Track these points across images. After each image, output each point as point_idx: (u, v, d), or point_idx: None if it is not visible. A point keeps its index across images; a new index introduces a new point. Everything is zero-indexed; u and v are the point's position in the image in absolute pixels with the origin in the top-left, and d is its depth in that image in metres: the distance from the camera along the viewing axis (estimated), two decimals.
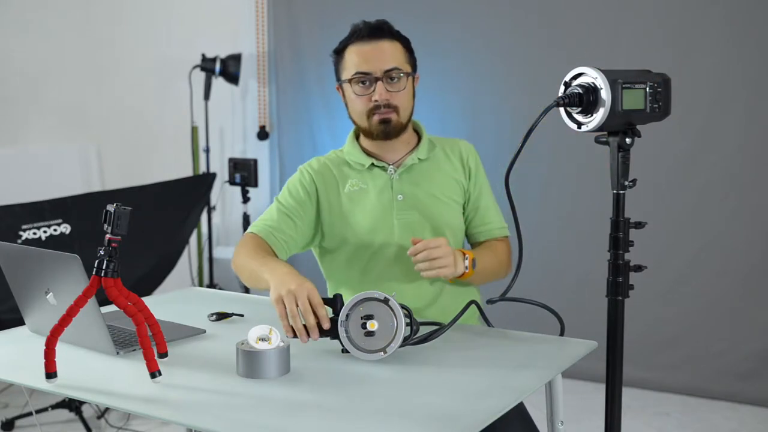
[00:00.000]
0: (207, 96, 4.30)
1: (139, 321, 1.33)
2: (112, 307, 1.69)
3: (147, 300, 1.79)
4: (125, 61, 4.83)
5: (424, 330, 1.55)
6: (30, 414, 3.11)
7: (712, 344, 3.37)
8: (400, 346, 1.43)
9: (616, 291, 1.40)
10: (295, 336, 1.45)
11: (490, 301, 1.62)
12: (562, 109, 1.38)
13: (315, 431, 1.14)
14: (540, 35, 3.62)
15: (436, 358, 1.46)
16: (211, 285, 4.28)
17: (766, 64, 3.21)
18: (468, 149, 1.96)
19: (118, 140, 4.90)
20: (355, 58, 1.81)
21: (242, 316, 1.78)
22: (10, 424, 3.06)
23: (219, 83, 4.34)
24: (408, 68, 1.84)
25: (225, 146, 4.61)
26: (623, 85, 1.32)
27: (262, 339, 1.35)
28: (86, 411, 3.11)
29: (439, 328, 1.53)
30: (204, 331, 1.65)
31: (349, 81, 1.83)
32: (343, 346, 1.44)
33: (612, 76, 1.32)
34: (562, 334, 1.59)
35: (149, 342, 1.33)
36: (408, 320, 1.46)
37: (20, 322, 1.69)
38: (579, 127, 1.37)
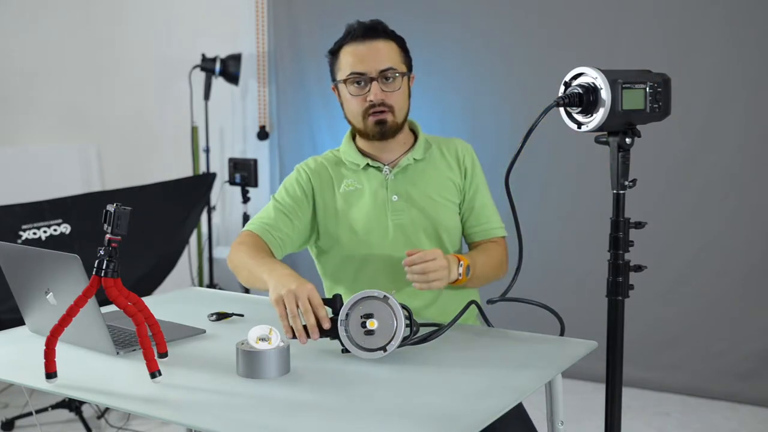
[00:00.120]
0: (207, 96, 4.31)
1: (139, 321, 1.33)
2: (112, 307, 1.69)
3: (147, 300, 1.79)
4: (125, 61, 4.83)
5: (424, 330, 1.55)
6: (30, 414, 3.11)
7: (712, 344, 3.37)
8: (400, 346, 1.43)
9: (616, 291, 1.40)
10: (294, 337, 1.45)
11: (490, 301, 1.62)
12: (562, 109, 1.38)
13: (315, 431, 1.14)
14: (540, 35, 3.62)
15: (436, 358, 1.46)
16: (211, 285, 4.28)
17: (766, 64, 3.21)
18: (464, 148, 1.95)
19: (118, 140, 4.90)
20: (350, 59, 1.81)
21: (242, 316, 1.78)
22: (10, 424, 3.06)
23: (219, 83, 4.34)
24: (403, 68, 1.84)
25: (225, 146, 4.61)
26: (623, 85, 1.32)
27: (262, 339, 1.35)
28: (86, 411, 3.11)
29: (439, 328, 1.53)
30: (204, 331, 1.65)
31: (344, 81, 1.82)
32: (343, 345, 1.44)
33: (612, 76, 1.32)
34: (562, 334, 1.59)
35: (149, 342, 1.33)
36: (408, 320, 1.46)
37: (20, 322, 1.69)
38: (579, 127, 1.37)
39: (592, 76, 1.33)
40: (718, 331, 3.36)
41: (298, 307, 1.45)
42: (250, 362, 1.34)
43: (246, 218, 4.15)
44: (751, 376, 3.28)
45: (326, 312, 1.46)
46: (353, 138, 1.95)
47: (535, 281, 3.12)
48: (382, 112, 1.81)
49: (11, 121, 4.91)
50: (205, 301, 1.99)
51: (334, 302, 1.46)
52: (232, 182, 4.10)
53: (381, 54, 1.80)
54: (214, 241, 4.39)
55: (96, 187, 4.72)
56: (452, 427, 1.13)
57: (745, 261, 3.30)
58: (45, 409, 3.09)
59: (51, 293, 1.48)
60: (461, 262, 1.69)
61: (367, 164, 1.89)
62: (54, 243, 3.03)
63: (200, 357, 1.48)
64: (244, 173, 4.05)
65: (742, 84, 3.26)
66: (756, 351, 3.28)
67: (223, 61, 4.22)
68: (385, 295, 1.43)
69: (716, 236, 3.35)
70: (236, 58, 4.24)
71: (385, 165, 1.90)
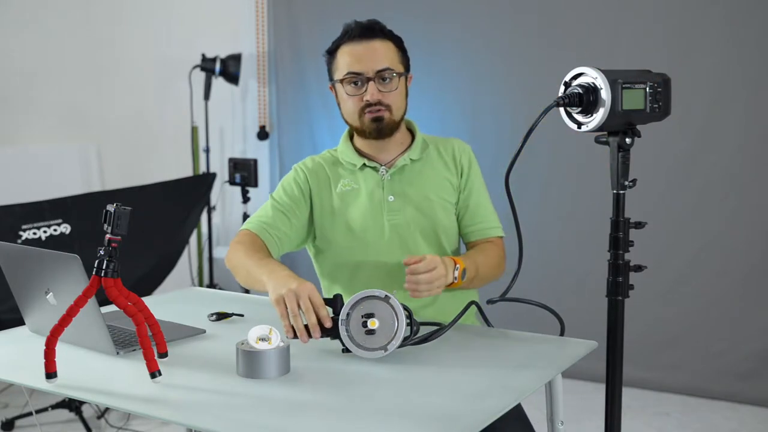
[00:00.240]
0: (207, 96, 4.31)
1: (139, 321, 1.33)
2: (112, 307, 1.69)
3: (147, 300, 1.79)
4: (125, 61, 4.83)
5: (424, 330, 1.55)
6: (30, 414, 3.11)
7: (712, 344, 3.37)
8: (400, 346, 1.43)
9: (616, 291, 1.40)
10: (295, 336, 1.45)
11: (490, 301, 1.62)
12: (562, 109, 1.38)
13: (315, 431, 1.14)
14: (540, 35, 3.62)
15: (436, 358, 1.46)
16: (211, 285, 4.28)
17: (766, 64, 3.21)
18: (462, 148, 1.95)
19: (118, 140, 4.90)
20: (347, 58, 1.81)
21: (242, 316, 1.78)
22: (10, 424, 3.06)
23: (219, 83, 4.34)
24: (400, 68, 1.84)
25: (225, 146, 4.61)
26: (623, 85, 1.32)
27: (262, 339, 1.35)
28: (86, 411, 3.11)
29: (439, 328, 1.53)
30: (204, 331, 1.65)
31: (341, 81, 1.82)
32: (343, 345, 1.44)
33: (612, 76, 1.32)
34: (562, 334, 1.59)
35: (149, 342, 1.33)
36: (408, 320, 1.46)
37: (20, 322, 1.69)
38: (579, 127, 1.37)
39: (592, 76, 1.34)
40: (718, 331, 3.37)
41: (299, 306, 1.45)
42: (250, 362, 1.34)
43: (246, 218, 4.14)
44: (751, 376, 3.28)
45: (327, 311, 1.46)
46: (351, 138, 1.94)
47: (535, 281, 3.12)
48: (379, 109, 1.81)
49: (11, 121, 4.91)
50: (205, 301, 1.99)
51: (335, 302, 1.46)
52: (232, 182, 4.10)
53: (378, 54, 1.80)
54: (214, 241, 4.39)
55: (96, 187, 4.72)
56: (452, 427, 1.13)
57: (745, 261, 3.30)
58: (45, 409, 3.09)
59: (51, 293, 1.48)
60: (457, 266, 1.68)
61: (364, 164, 1.89)
62: (54, 243, 3.03)
63: (200, 357, 1.48)
64: (244, 173, 4.05)
65: (742, 84, 3.26)
66: (756, 351, 3.28)
67: (223, 61, 4.22)
68: (386, 295, 1.43)
69: (716, 236, 3.35)
70: (236, 58, 4.24)
71: (381, 165, 1.89)
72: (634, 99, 1.34)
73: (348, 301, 1.44)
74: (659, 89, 1.37)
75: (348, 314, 1.43)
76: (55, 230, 3.06)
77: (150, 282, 3.50)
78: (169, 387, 1.31)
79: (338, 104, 1.89)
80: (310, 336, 1.45)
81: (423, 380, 1.34)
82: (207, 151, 4.35)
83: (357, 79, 1.80)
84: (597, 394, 2.16)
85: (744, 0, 3.23)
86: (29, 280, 1.53)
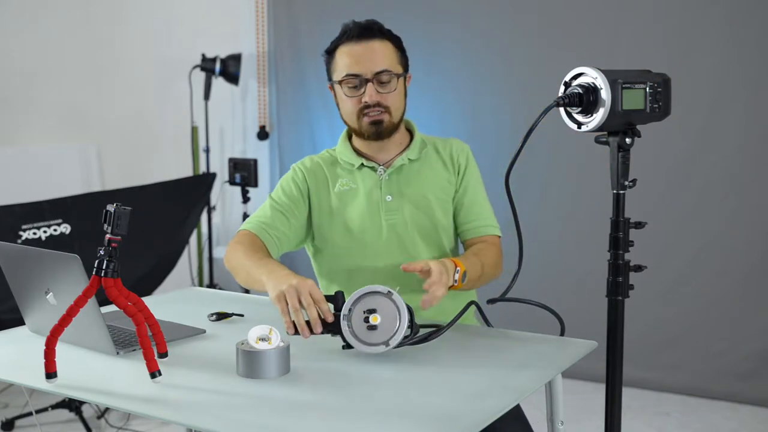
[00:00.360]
0: (207, 96, 4.31)
1: (139, 321, 1.33)
2: (112, 307, 1.69)
3: (147, 300, 1.79)
4: (125, 61, 4.83)
5: (424, 330, 1.54)
6: (30, 414, 3.11)
7: (712, 344, 3.37)
8: (399, 346, 1.43)
9: (616, 291, 1.40)
10: (296, 332, 1.45)
11: (490, 301, 1.62)
12: (562, 109, 1.38)
13: (315, 431, 1.14)
14: (540, 35, 3.62)
15: (436, 358, 1.46)
16: (211, 285, 4.28)
17: (766, 64, 3.21)
18: (460, 147, 1.94)
19: (118, 140, 4.90)
20: (346, 59, 1.81)
21: (242, 316, 1.78)
22: (10, 424, 3.06)
23: (219, 83, 4.34)
24: (399, 69, 1.84)
25: (225, 146, 4.61)
26: (623, 85, 1.32)
27: (262, 339, 1.35)
28: (86, 411, 3.11)
29: (439, 328, 1.53)
30: (204, 331, 1.65)
31: (340, 83, 1.82)
32: (344, 341, 1.44)
33: (612, 76, 1.32)
34: (562, 334, 1.59)
35: (149, 342, 1.33)
36: (410, 320, 1.45)
37: (20, 322, 1.69)
38: (579, 127, 1.37)
39: (592, 76, 1.34)
40: (718, 331, 3.37)
41: (300, 303, 1.45)
42: (250, 362, 1.34)
43: (246, 218, 4.14)
44: (751, 376, 3.28)
45: (329, 306, 1.46)
46: (349, 138, 1.94)
47: (535, 281, 3.12)
48: (378, 113, 1.81)
49: (11, 121, 4.91)
50: (205, 301, 1.99)
51: (336, 298, 1.46)
52: (232, 182, 4.11)
53: (376, 55, 1.80)
54: (214, 241, 4.39)
55: (96, 187, 4.72)
56: (452, 427, 1.13)
57: (745, 261, 3.30)
58: (45, 409, 3.09)
59: (51, 293, 1.48)
60: (458, 268, 1.66)
61: (362, 164, 1.89)
62: (54, 243, 3.03)
63: (200, 357, 1.48)
64: (244, 173, 4.05)
65: (742, 84, 3.26)
66: (756, 351, 3.28)
67: (223, 61, 4.22)
68: (388, 291, 1.43)
69: (716, 236, 3.35)
70: (236, 58, 4.24)
71: (379, 165, 1.89)
72: (634, 99, 1.34)
73: (350, 296, 1.44)
74: (659, 89, 1.37)
75: (350, 310, 1.43)
76: (55, 230, 3.06)
77: (150, 282, 3.50)
78: (169, 387, 1.31)
79: (337, 104, 1.89)
80: (311, 331, 1.45)
81: (423, 380, 1.34)
82: (207, 151, 4.35)
83: (355, 80, 1.80)
84: (597, 394, 2.16)
85: (744, 0, 3.23)
86: (29, 280, 1.53)
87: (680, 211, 3.40)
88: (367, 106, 1.80)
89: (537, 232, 3.43)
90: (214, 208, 4.33)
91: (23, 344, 1.59)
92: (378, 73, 1.79)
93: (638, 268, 1.39)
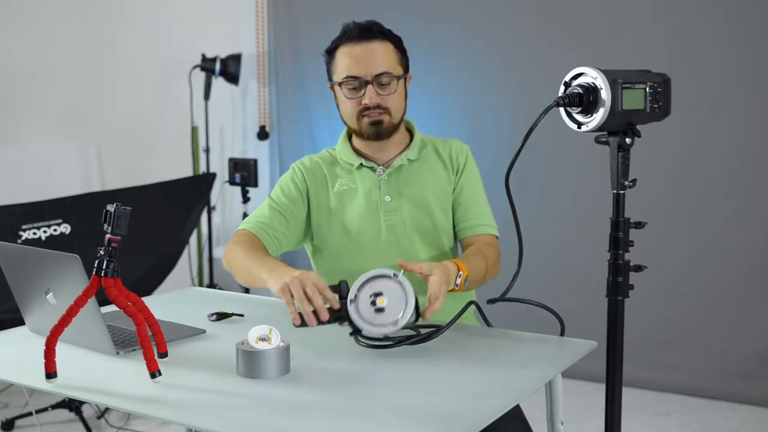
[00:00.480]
0: (207, 96, 4.31)
1: (139, 321, 1.33)
2: (112, 307, 1.69)
3: (147, 300, 1.79)
4: (125, 61, 4.83)
5: (424, 330, 1.54)
6: (30, 414, 3.11)
7: (712, 344, 3.37)
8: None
9: (616, 291, 1.40)
10: (302, 324, 1.44)
11: (490, 301, 1.62)
12: (562, 109, 1.38)
13: (315, 431, 1.14)
14: (540, 35, 3.62)
15: (436, 358, 1.46)
16: (211, 285, 4.28)
17: (766, 64, 3.21)
18: (459, 148, 1.94)
19: (118, 140, 4.90)
20: (346, 60, 1.81)
21: (242, 316, 1.78)
22: (10, 424, 3.06)
23: (219, 83, 4.34)
24: (399, 70, 1.83)
25: (225, 146, 4.61)
26: (623, 85, 1.32)
27: (262, 339, 1.35)
28: (86, 411, 3.11)
29: (439, 328, 1.53)
30: (204, 331, 1.65)
31: (340, 84, 1.82)
32: (352, 326, 1.44)
33: (612, 76, 1.32)
34: (562, 334, 1.59)
35: (149, 342, 1.33)
36: (415, 304, 1.45)
37: (20, 322, 1.69)
38: (579, 127, 1.37)
39: (592, 76, 1.34)
40: (718, 331, 3.37)
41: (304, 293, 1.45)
42: (250, 362, 1.34)
43: (246, 218, 4.15)
44: (751, 376, 3.28)
45: (333, 294, 1.46)
46: (349, 137, 1.94)
47: (535, 281, 3.12)
48: (378, 114, 1.80)
49: (11, 121, 4.91)
50: (205, 301, 1.99)
51: (340, 287, 1.46)
52: (232, 182, 4.11)
53: (377, 57, 1.79)
54: (214, 241, 4.39)
55: (96, 187, 4.72)
56: (452, 427, 1.13)
57: (745, 261, 3.30)
58: (45, 409, 3.09)
59: (51, 293, 1.48)
60: (460, 273, 1.65)
61: (361, 164, 1.89)
62: (54, 243, 3.03)
63: (200, 357, 1.48)
64: (244, 173, 4.05)
65: (742, 84, 3.27)
66: (756, 351, 3.28)
67: (223, 61, 4.22)
68: (394, 273, 1.43)
69: (716, 236, 3.35)
70: (236, 58, 4.24)
71: (379, 165, 1.89)
72: (634, 99, 1.34)
73: (356, 281, 1.44)
74: (659, 89, 1.37)
75: (356, 296, 1.43)
76: (55, 230, 3.06)
77: (150, 282, 3.50)
78: (169, 387, 1.31)
79: (337, 105, 1.89)
80: (318, 321, 1.45)
81: (423, 380, 1.34)
82: (207, 151, 4.35)
83: (355, 82, 1.80)
84: (597, 394, 2.16)
85: (744, 0, 3.23)
86: (29, 280, 1.53)
87: (680, 211, 3.40)
88: (367, 108, 1.80)
89: (537, 232, 3.43)
90: (214, 208, 4.33)
91: (23, 344, 1.59)
92: (378, 75, 1.79)
93: (638, 268, 1.39)
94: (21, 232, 2.96)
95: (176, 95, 4.55)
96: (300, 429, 1.14)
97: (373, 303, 1.42)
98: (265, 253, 1.76)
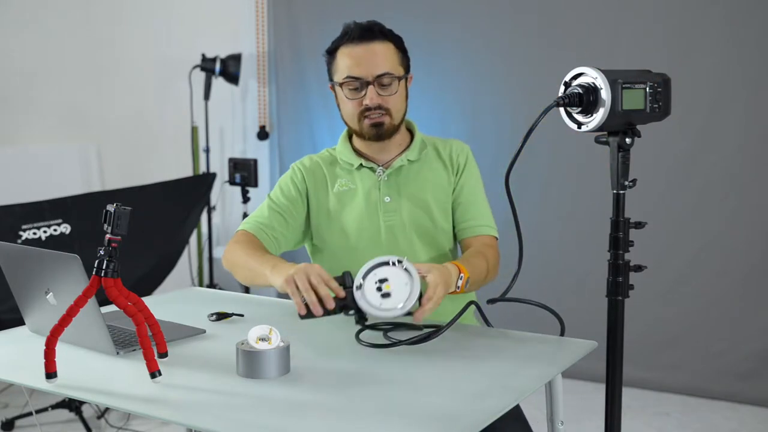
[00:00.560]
0: (207, 96, 4.31)
1: (139, 321, 1.33)
2: (112, 307, 1.69)
3: (147, 300, 1.79)
4: (125, 61, 4.83)
5: (424, 330, 1.55)
6: (30, 414, 3.11)
7: (712, 344, 3.37)
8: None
9: (616, 291, 1.40)
10: (307, 314, 1.45)
11: (490, 301, 1.62)
12: (562, 109, 1.38)
13: (315, 431, 1.14)
14: (540, 35, 3.62)
15: (436, 358, 1.46)
16: (211, 285, 4.28)
17: (766, 64, 3.22)
18: (460, 148, 1.94)
19: (118, 140, 4.90)
20: (347, 61, 1.80)
21: (242, 316, 1.78)
22: (10, 424, 3.06)
23: (219, 83, 4.34)
24: (400, 70, 1.83)
25: (225, 146, 4.61)
26: (623, 85, 1.32)
27: (262, 339, 1.35)
28: (86, 411, 3.11)
29: (439, 328, 1.53)
30: (204, 331, 1.65)
31: (341, 85, 1.82)
32: (357, 313, 1.45)
33: (612, 76, 1.32)
34: (562, 334, 1.59)
35: (149, 342, 1.33)
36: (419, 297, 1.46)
37: (20, 322, 1.69)
38: (579, 127, 1.37)
39: (592, 76, 1.34)
40: (718, 331, 3.37)
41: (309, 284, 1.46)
42: (250, 362, 1.34)
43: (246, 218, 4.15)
44: (751, 376, 3.28)
45: (337, 284, 1.47)
46: (350, 138, 1.94)
47: (535, 281, 3.12)
48: (378, 115, 1.80)
49: (11, 121, 4.91)
50: (205, 301, 1.99)
51: (344, 278, 1.48)
52: (232, 182, 4.11)
53: (377, 57, 1.79)
54: (214, 241, 4.39)
55: (96, 187, 4.72)
56: (452, 427, 1.13)
57: (745, 261, 3.30)
58: (45, 409, 3.09)
59: (51, 293, 1.48)
60: (461, 275, 1.64)
61: (361, 164, 1.89)
62: (54, 243, 3.03)
63: (200, 357, 1.48)
64: (244, 173, 4.05)
65: (742, 84, 3.27)
66: (756, 351, 3.28)
67: (223, 61, 4.22)
68: (398, 260, 1.44)
69: (716, 236, 3.35)
70: (236, 58, 4.24)
71: (379, 165, 1.89)
72: (634, 99, 1.34)
73: (361, 268, 1.45)
74: (659, 89, 1.37)
75: (361, 283, 1.45)
76: (55, 230, 3.06)
77: (150, 282, 3.50)
78: (169, 387, 1.31)
79: (338, 105, 1.89)
80: (324, 310, 1.45)
81: (423, 380, 1.34)
82: (207, 151, 4.35)
83: (356, 83, 1.80)
84: (597, 394, 2.16)
85: (744, 0, 3.23)
86: (29, 280, 1.53)
87: (680, 211, 3.40)
88: (368, 109, 1.80)
89: (537, 232, 3.43)
90: (214, 208, 4.33)
91: (23, 344, 1.59)
92: (379, 76, 1.79)
93: (638, 268, 1.39)
94: (21, 232, 2.96)
95: (176, 95, 4.55)
96: (300, 429, 1.14)
97: (379, 289, 1.44)
98: (265, 251, 1.77)
